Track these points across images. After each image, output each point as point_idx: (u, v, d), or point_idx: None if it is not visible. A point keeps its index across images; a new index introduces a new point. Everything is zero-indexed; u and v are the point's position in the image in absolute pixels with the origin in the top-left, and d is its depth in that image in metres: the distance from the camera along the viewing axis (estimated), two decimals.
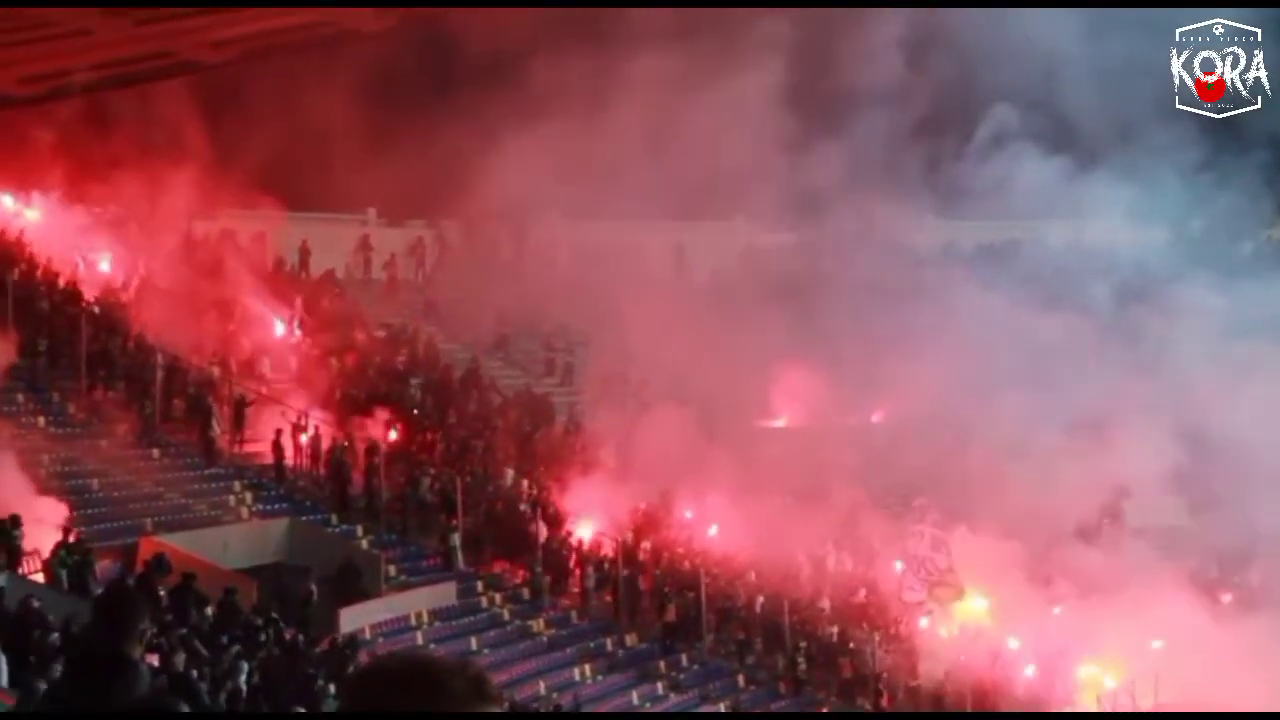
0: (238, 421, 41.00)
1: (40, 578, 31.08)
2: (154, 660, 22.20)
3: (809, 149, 45.79)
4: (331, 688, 28.26)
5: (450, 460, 44.05)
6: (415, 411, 45.68)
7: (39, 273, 42.36)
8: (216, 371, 42.05)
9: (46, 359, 39.67)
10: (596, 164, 44.69)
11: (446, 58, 45.48)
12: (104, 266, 44.41)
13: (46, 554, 31.55)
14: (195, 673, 23.56)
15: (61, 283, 42.11)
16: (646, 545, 43.80)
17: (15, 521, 31.17)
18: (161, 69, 44.47)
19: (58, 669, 20.24)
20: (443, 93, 44.99)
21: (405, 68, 45.94)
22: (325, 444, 41.49)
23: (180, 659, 24.47)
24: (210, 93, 45.08)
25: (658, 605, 42.41)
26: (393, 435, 43.14)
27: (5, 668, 22.01)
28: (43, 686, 18.20)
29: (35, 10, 39.57)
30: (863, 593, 45.45)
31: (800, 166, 46.43)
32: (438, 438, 45.15)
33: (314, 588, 35.61)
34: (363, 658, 32.02)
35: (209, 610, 30.76)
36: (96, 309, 41.51)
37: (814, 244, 54.24)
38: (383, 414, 43.46)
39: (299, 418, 41.56)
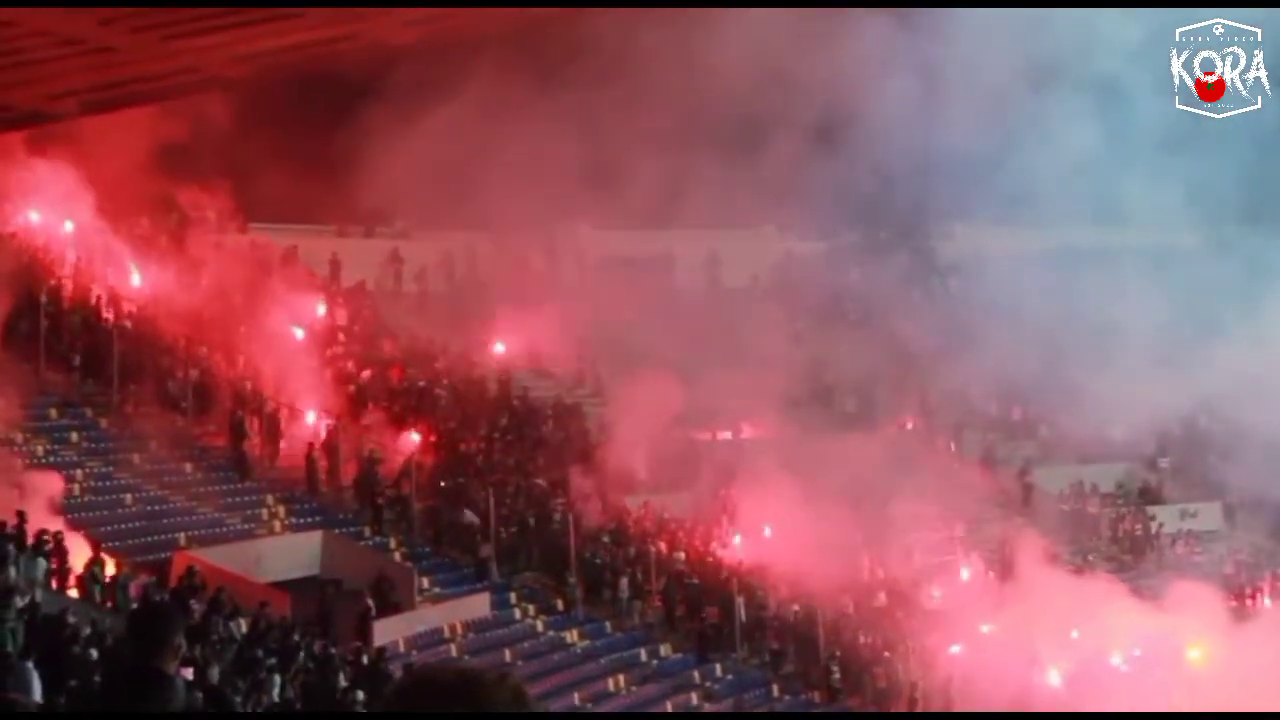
0: (270, 435, 41.06)
1: (75, 593, 31.16)
2: (189, 674, 22.24)
3: (841, 155, 45.62)
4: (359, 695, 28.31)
5: (482, 471, 44.04)
6: (449, 425, 45.65)
7: (70, 288, 42.43)
8: (249, 385, 42.09)
9: (79, 375, 39.76)
10: (626, 173, 44.71)
11: (471, 69, 45.48)
12: (135, 281, 44.48)
13: (81, 569, 31.63)
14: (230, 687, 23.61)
15: (93, 298, 42.19)
16: (680, 555, 43.76)
17: (49, 537, 31.27)
18: (187, 85, 44.48)
19: (94, 684, 20.28)
20: (468, 103, 45.01)
21: (428, 79, 45.93)
22: (358, 457, 41.55)
23: (214, 672, 24.53)
24: (241, 107, 45.13)
25: (692, 616, 42.33)
26: (419, 443, 43.11)
27: (38, 683, 22.04)
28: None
29: (62, 28, 39.69)
30: (883, 597, 45.30)
31: (832, 174, 46.29)
32: (470, 449, 45.14)
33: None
34: (395, 670, 32.05)
35: (241, 624, 30.83)
36: (128, 324, 41.57)
37: (846, 251, 54.30)
38: (414, 426, 43.49)
39: (331, 431, 41.61)
